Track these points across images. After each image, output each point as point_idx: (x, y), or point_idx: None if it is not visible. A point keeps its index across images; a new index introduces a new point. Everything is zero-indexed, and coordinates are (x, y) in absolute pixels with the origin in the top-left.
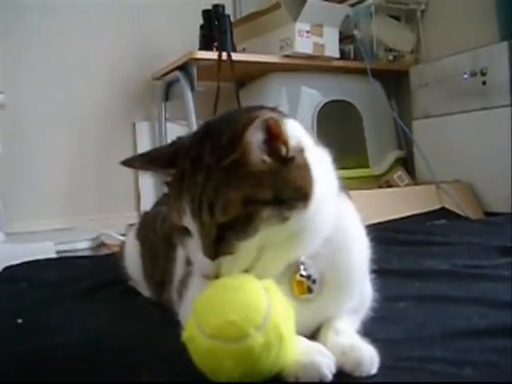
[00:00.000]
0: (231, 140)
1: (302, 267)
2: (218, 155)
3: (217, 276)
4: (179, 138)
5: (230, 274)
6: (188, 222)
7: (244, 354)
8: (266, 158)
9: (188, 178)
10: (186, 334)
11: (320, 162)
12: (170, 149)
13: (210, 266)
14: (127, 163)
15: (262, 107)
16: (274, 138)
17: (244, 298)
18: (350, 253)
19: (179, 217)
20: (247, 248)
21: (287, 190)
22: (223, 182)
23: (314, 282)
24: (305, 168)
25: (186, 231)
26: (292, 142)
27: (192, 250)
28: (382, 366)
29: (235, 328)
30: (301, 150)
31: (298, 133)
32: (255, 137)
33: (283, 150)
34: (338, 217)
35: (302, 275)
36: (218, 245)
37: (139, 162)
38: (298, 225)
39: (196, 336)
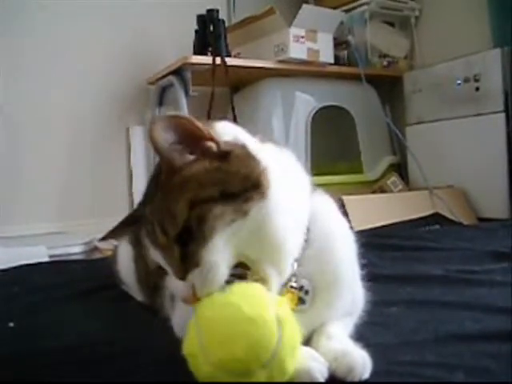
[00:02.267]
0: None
1: (293, 279)
2: (156, 181)
3: (198, 299)
4: None
5: (204, 291)
6: (154, 254)
7: None
8: (191, 158)
9: (144, 217)
10: (187, 350)
11: (275, 155)
12: (137, 207)
13: (183, 287)
14: (109, 237)
15: None
16: (192, 136)
17: (256, 333)
18: (335, 251)
19: (151, 256)
20: (212, 255)
21: (233, 182)
22: (164, 199)
23: (306, 292)
24: (248, 156)
25: (163, 271)
26: (225, 138)
27: (171, 281)
28: (375, 371)
29: (241, 365)
30: (241, 145)
31: (233, 131)
32: (163, 137)
33: (213, 147)
34: (315, 215)
35: (292, 287)
36: (184, 261)
37: (119, 232)
38: (260, 217)
39: (198, 355)
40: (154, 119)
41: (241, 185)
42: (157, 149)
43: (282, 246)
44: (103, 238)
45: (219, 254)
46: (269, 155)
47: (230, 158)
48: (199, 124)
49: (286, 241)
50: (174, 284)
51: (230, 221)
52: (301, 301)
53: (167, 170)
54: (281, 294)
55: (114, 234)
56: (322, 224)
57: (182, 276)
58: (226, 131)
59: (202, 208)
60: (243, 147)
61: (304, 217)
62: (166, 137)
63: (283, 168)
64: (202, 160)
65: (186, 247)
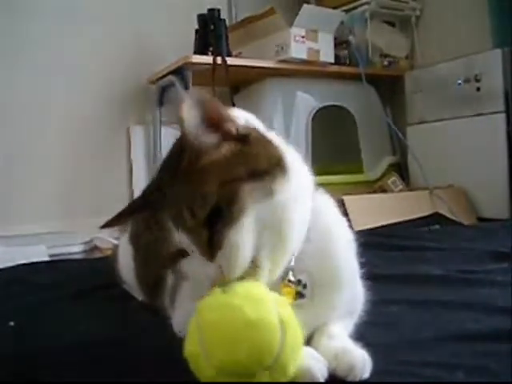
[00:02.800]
0: (179, 145)
1: (290, 273)
2: (175, 168)
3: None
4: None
5: (231, 271)
6: (179, 239)
7: None
8: (215, 140)
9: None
10: (188, 350)
11: (285, 145)
12: (143, 194)
13: (212, 268)
14: (108, 225)
15: None
16: (216, 118)
17: (258, 337)
18: (334, 249)
19: (171, 242)
20: (239, 235)
21: (260, 160)
22: (191, 182)
23: (304, 286)
24: (266, 139)
25: (179, 255)
26: (240, 122)
27: (194, 265)
28: (375, 371)
29: (243, 367)
30: (254, 128)
31: (245, 115)
32: (191, 114)
33: (233, 129)
34: (316, 214)
35: (289, 281)
36: (212, 242)
37: (120, 219)
38: (283, 198)
39: (200, 356)
40: (182, 99)
41: (267, 163)
42: (184, 129)
43: (288, 237)
44: (104, 226)
45: (245, 234)
46: (281, 143)
47: (250, 140)
48: (221, 107)
49: (292, 236)
50: (202, 268)
51: (259, 199)
52: (299, 295)
53: (192, 153)
54: (278, 288)
55: (114, 222)
56: (322, 223)
57: (210, 258)
58: (239, 115)
59: (231, 187)
60: (256, 130)
61: (307, 215)
62: (193, 117)
63: (295, 158)
64: (226, 142)
65: (215, 229)
